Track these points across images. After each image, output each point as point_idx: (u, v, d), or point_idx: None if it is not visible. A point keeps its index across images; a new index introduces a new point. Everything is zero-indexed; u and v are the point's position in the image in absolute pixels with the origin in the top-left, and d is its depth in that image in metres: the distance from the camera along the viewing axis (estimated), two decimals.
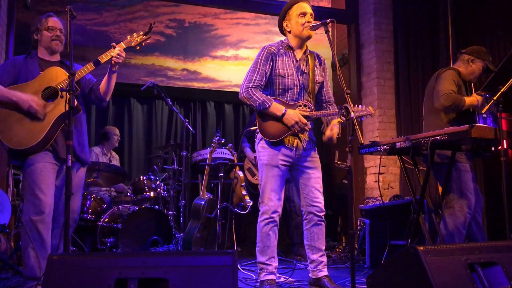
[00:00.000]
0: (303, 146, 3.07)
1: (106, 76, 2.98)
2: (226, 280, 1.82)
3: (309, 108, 3.04)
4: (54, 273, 1.80)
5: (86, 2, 6.00)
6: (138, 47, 2.97)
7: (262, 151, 3.06)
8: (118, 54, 2.88)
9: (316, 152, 3.17)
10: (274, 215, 3.00)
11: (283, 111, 2.95)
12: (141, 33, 2.97)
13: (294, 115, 2.95)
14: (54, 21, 2.97)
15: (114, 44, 2.91)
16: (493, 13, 4.98)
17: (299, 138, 3.06)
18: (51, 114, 2.79)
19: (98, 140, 5.68)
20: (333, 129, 3.04)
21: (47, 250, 2.74)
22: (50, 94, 2.83)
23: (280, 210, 3.03)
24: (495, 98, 3.01)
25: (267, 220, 3.00)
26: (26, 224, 2.72)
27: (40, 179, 2.75)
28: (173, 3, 6.12)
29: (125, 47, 2.92)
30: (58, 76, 2.84)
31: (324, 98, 3.23)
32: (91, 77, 3.07)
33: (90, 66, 2.85)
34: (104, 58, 2.87)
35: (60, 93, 2.74)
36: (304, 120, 2.96)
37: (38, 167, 2.76)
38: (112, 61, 2.89)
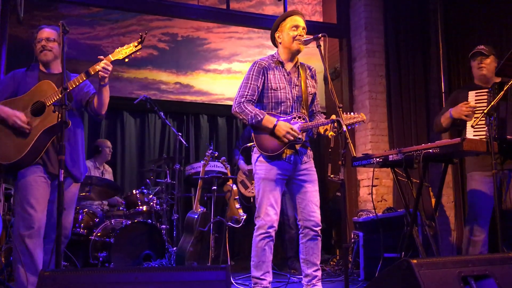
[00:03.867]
0: (300, 159, 3.07)
1: (97, 90, 2.95)
2: None
3: (303, 119, 3.05)
4: None
5: (79, 16, 6.01)
6: (127, 59, 2.83)
7: (259, 165, 3.05)
8: (103, 68, 2.77)
9: (313, 165, 3.16)
10: (270, 230, 2.98)
11: (275, 123, 2.96)
12: (131, 45, 2.84)
13: (284, 126, 2.95)
14: (41, 32, 2.95)
15: (101, 57, 2.81)
16: (484, 26, 5.05)
17: (296, 151, 3.07)
18: (37, 128, 2.78)
19: (90, 153, 5.64)
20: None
21: (37, 265, 2.70)
22: (37, 108, 2.82)
23: (276, 225, 3.01)
24: (485, 111, 3.01)
25: (263, 235, 2.98)
26: (16, 239, 2.69)
27: (30, 193, 2.73)
28: (166, 17, 6.14)
29: (112, 59, 2.81)
30: (48, 90, 2.83)
31: (314, 109, 3.25)
32: (89, 90, 3.04)
33: (81, 77, 2.80)
34: (94, 69, 2.80)
35: (47, 107, 2.74)
36: (296, 130, 2.96)
37: (29, 180, 2.75)
38: (99, 75, 2.80)
